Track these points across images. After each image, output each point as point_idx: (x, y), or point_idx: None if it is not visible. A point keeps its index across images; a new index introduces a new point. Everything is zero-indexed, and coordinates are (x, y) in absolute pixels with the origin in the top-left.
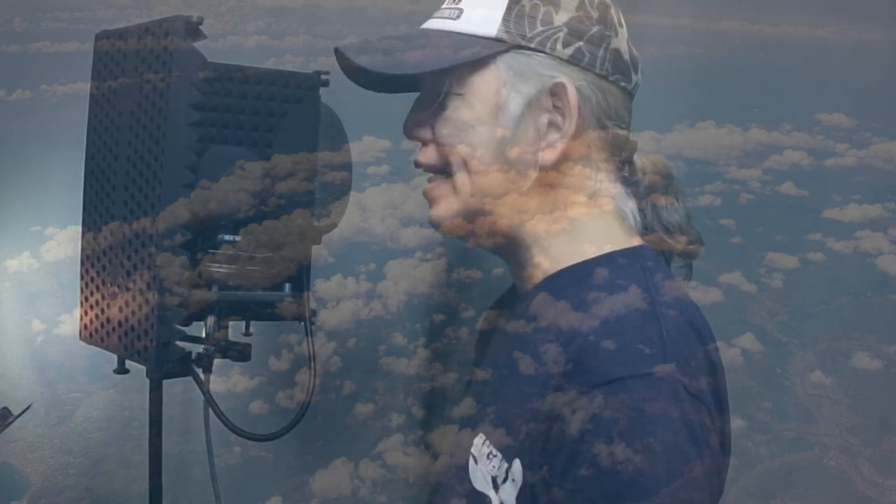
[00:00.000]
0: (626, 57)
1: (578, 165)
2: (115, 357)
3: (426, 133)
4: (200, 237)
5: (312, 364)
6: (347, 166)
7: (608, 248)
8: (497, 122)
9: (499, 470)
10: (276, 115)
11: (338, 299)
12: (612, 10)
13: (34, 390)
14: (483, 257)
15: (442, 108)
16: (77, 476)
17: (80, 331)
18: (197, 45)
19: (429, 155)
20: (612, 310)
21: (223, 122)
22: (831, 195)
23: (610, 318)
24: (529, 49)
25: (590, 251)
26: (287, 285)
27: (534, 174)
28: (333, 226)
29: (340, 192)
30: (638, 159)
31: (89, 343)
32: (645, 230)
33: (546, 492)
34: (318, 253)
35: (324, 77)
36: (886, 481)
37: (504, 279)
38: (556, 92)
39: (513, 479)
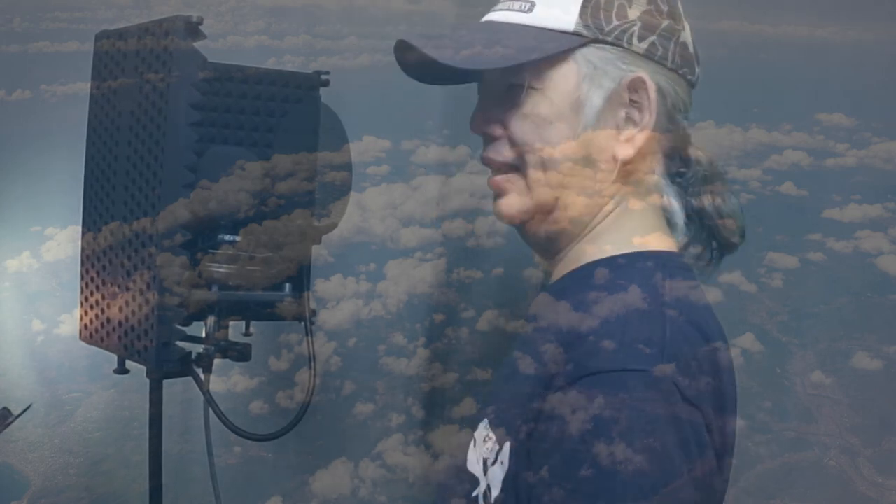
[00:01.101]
0: (692, 50)
1: (646, 160)
2: (115, 357)
3: (497, 129)
4: (200, 237)
5: (312, 364)
6: (347, 166)
7: (635, 248)
8: (577, 118)
9: (490, 452)
10: (276, 115)
11: (338, 299)
12: (679, 5)
13: (34, 390)
14: (483, 257)
15: (517, 103)
16: (77, 476)
17: (80, 331)
18: (197, 45)
19: (501, 151)
20: (617, 307)
21: (223, 122)
22: (831, 195)
23: (612, 314)
24: (607, 43)
25: (621, 248)
26: (287, 285)
27: (612, 170)
28: (333, 226)
29: (340, 192)
30: (691, 150)
31: (89, 343)
32: (695, 221)
33: (528, 478)
34: (318, 253)
35: (324, 77)
36: (886, 481)
37: (505, 279)
38: (635, 86)
39: (501, 462)
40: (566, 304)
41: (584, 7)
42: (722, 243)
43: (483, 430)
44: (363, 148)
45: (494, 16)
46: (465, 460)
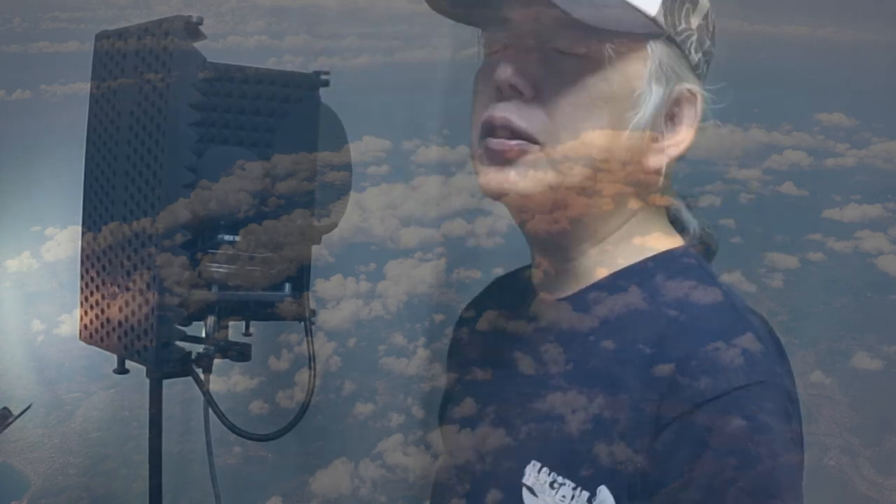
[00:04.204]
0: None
1: (666, 170)
2: (115, 357)
3: (530, 89)
4: (200, 237)
5: (312, 364)
6: (347, 166)
7: (664, 248)
8: (632, 109)
9: (574, 499)
10: (276, 115)
11: (338, 299)
12: (716, 31)
13: (34, 390)
14: (483, 257)
15: (568, 70)
16: (77, 476)
17: (80, 331)
18: (197, 45)
19: (526, 116)
20: (696, 315)
21: (223, 122)
22: (831, 195)
23: (700, 324)
24: (674, 44)
25: (647, 252)
26: (287, 285)
27: (640, 175)
28: (333, 226)
29: (340, 192)
30: None
31: (89, 343)
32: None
33: None
34: (318, 253)
35: (324, 77)
36: (886, 481)
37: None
38: (684, 98)
39: None
40: (613, 320)
41: None
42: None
43: (541, 475)
44: (363, 148)
45: None
46: None
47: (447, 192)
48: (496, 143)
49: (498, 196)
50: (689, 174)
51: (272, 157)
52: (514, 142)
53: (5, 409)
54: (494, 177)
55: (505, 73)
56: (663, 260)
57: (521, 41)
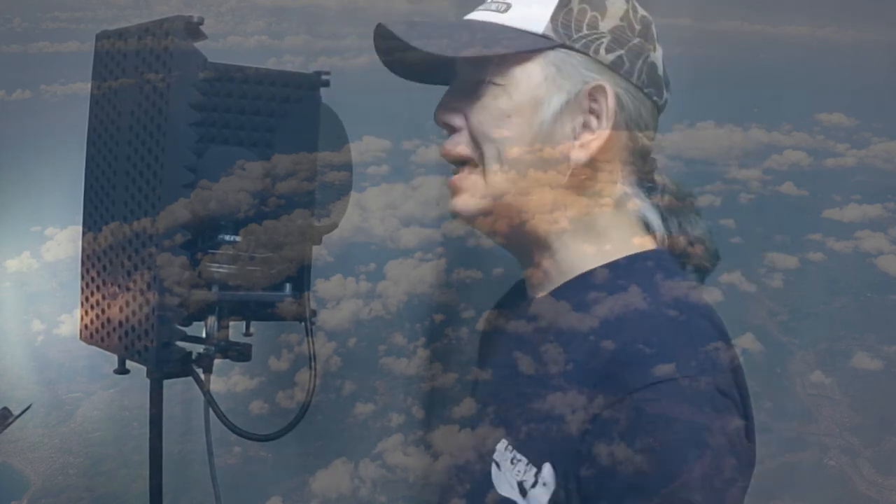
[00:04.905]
0: (661, 73)
1: (606, 168)
2: (115, 357)
3: (458, 120)
4: (200, 237)
5: (312, 364)
6: (347, 166)
7: (630, 251)
8: (535, 116)
9: (525, 475)
10: (276, 115)
11: (338, 299)
12: (653, 27)
13: (34, 390)
14: (483, 257)
15: (479, 96)
16: (77, 476)
17: (81, 331)
18: (197, 45)
19: (458, 143)
20: (643, 314)
21: (223, 122)
22: (831, 195)
23: (641, 322)
24: (574, 50)
25: (612, 254)
26: (287, 285)
27: (565, 172)
28: (334, 226)
29: (340, 192)
30: (657, 177)
31: (89, 343)
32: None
33: (585, 495)
34: (318, 253)
35: (324, 77)
36: (886, 481)
37: (505, 279)
38: (595, 94)
39: (543, 484)
40: (573, 318)
41: (556, 13)
42: (694, 268)
43: (506, 452)
44: (363, 148)
45: (472, 16)
46: (493, 486)
47: (447, 192)
48: (448, 181)
49: (460, 219)
50: (688, 174)
51: (272, 157)
52: (456, 176)
53: (5, 409)
54: (450, 205)
55: (438, 115)
56: (617, 265)
57: (454, 84)
